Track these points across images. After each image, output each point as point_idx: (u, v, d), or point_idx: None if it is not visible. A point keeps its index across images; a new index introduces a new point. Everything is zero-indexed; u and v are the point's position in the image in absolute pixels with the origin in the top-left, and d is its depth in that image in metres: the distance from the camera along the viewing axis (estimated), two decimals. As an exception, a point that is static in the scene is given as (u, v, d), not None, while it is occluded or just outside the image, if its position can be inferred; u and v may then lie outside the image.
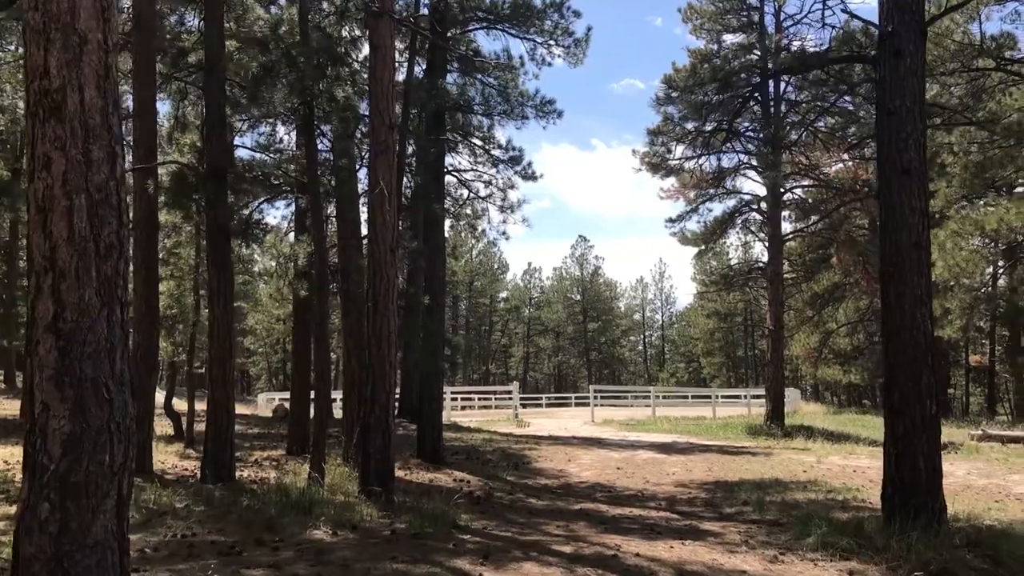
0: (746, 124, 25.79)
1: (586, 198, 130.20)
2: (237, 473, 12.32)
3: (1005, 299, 27.22)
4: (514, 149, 22.64)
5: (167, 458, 13.84)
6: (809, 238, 33.89)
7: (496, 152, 22.63)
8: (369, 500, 9.33)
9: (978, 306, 25.36)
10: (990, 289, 25.15)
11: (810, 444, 18.77)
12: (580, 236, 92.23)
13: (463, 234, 72.56)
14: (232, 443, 11.19)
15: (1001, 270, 24.40)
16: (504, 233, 21.71)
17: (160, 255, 14.33)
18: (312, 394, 13.12)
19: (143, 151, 11.48)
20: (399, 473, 12.61)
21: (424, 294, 13.07)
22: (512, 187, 19.27)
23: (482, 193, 18.87)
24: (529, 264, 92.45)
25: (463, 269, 75.76)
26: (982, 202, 19.65)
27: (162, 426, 18.18)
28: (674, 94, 22.39)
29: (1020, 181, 21.24)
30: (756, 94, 24.06)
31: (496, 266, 79.64)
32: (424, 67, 15.71)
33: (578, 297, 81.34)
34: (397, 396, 26.73)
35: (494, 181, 18.60)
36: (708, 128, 22.93)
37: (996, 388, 50.53)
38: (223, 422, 11.00)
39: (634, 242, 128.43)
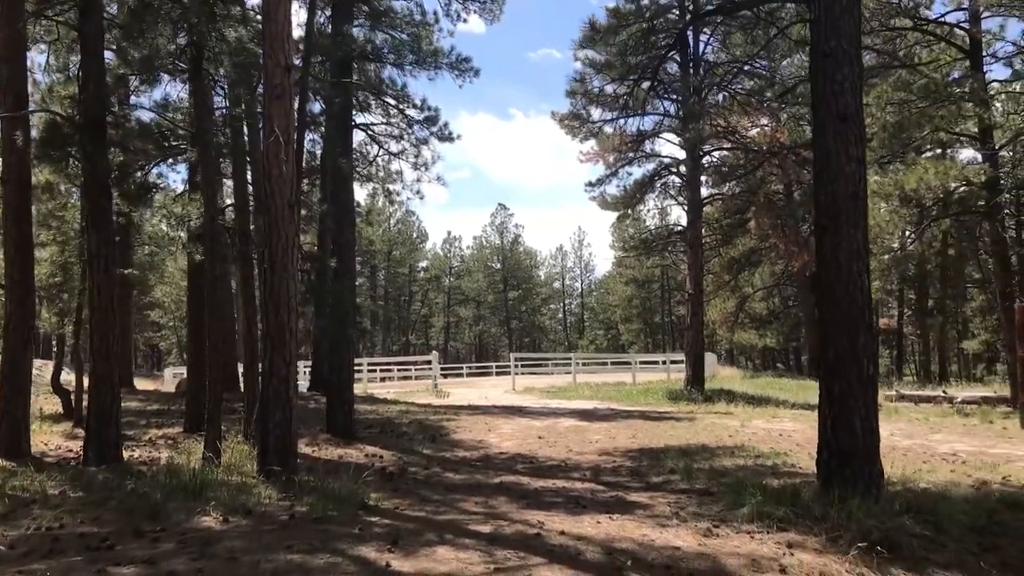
0: (666, 84, 25.31)
1: (506, 168, 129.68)
2: (127, 453, 11.29)
3: (915, 262, 27.67)
4: (430, 108, 21.69)
5: (51, 439, 12.66)
6: (726, 203, 33.95)
7: (411, 112, 21.59)
8: (268, 481, 8.47)
9: (896, 267, 25.65)
10: (902, 251, 25.46)
11: (732, 408, 18.58)
12: (500, 204, 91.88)
13: (378, 199, 71.20)
14: (118, 420, 10.15)
15: (914, 231, 24.69)
16: (419, 192, 20.86)
17: (41, 218, 13.03)
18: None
19: (12, 98, 10.22)
20: (307, 450, 11.77)
21: (332, 256, 12.14)
22: (426, 143, 18.32)
23: (393, 149, 17.86)
24: (449, 233, 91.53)
25: (381, 238, 74.37)
26: (900, 162, 19.69)
27: (52, 404, 16.84)
28: (596, 36, 21.63)
29: (937, 141, 21.37)
30: (676, 49, 23.53)
31: (415, 235, 78.45)
32: (328, 13, 14.59)
33: (498, 266, 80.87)
34: (308, 367, 25.77)
35: (407, 137, 17.60)
36: (632, 78, 22.28)
37: (903, 350, 52.14)
38: (107, 398, 9.95)
39: (554, 212, 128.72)
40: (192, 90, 9.84)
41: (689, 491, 8.91)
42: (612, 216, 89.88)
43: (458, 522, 7.21)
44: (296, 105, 10.11)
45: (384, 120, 21.39)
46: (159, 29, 9.12)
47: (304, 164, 14.76)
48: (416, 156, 17.66)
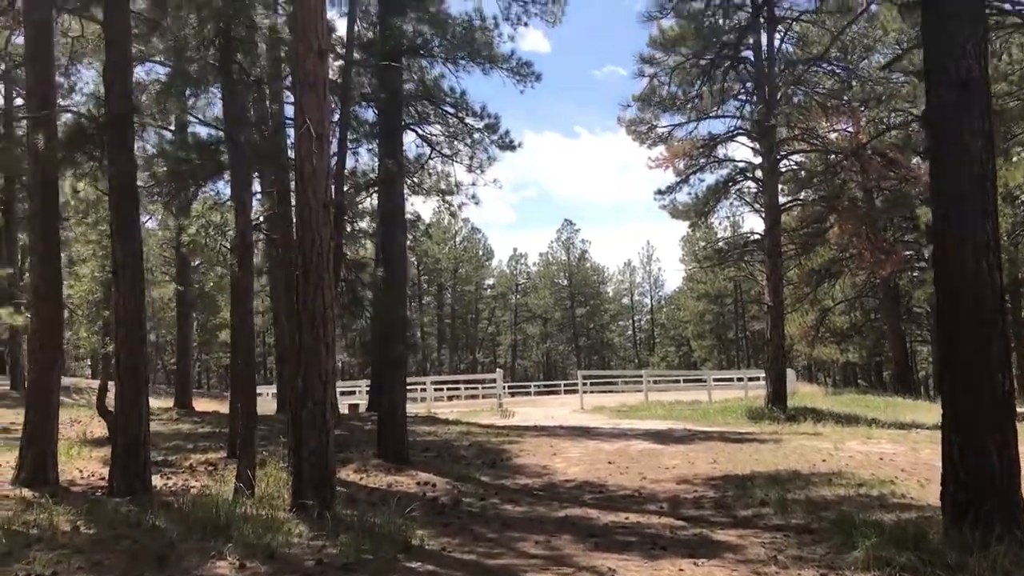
0: (738, 86, 23.95)
1: (572, 186, 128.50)
2: (161, 481, 10.50)
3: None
4: (490, 116, 20.76)
5: (88, 464, 11.95)
6: (804, 210, 32.19)
7: (470, 120, 20.76)
8: (302, 515, 7.51)
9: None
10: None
11: (821, 428, 17.04)
12: (566, 220, 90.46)
13: (442, 216, 70.71)
14: (146, 446, 9.33)
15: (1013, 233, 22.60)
16: (474, 197, 19.81)
17: (78, 231, 12.42)
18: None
19: (37, 100, 9.59)
20: (354, 477, 10.82)
21: (379, 266, 11.24)
22: (481, 144, 17.36)
23: (446, 151, 16.93)
24: (515, 250, 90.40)
25: (447, 256, 73.98)
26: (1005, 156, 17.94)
27: (102, 427, 16.28)
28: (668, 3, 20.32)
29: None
30: (760, 17, 22.03)
31: (481, 252, 77.88)
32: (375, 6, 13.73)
33: (565, 282, 79.68)
34: (366, 387, 25.01)
35: (460, 138, 16.67)
36: (708, 56, 20.89)
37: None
38: (134, 422, 9.15)
39: (621, 230, 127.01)
40: (222, 84, 9.07)
41: (785, 527, 7.65)
42: (681, 230, 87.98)
43: (514, 569, 6.11)
44: (334, 100, 9.20)
45: (442, 129, 20.58)
46: (184, 18, 8.36)
47: (354, 171, 13.89)
48: (471, 158, 16.65)
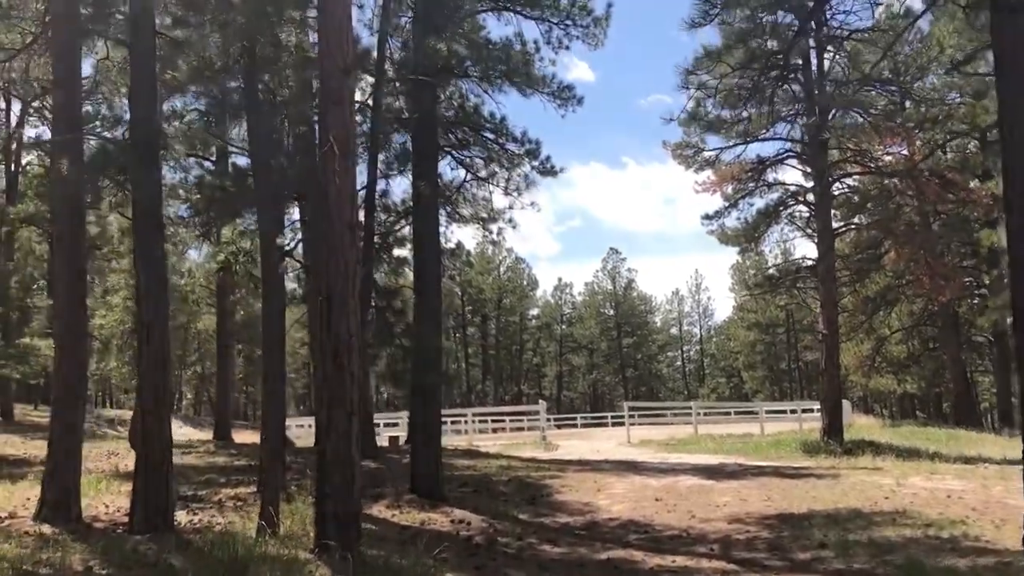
0: (787, 108, 23.27)
1: (618, 216, 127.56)
2: (187, 517, 10.12)
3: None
4: (530, 141, 20.44)
5: (116, 499, 11.63)
6: (857, 236, 31.22)
7: (511, 146, 20.45)
8: (324, 557, 7.03)
9: None
10: None
11: (880, 463, 16.13)
12: (611, 249, 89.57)
13: (486, 247, 70.37)
14: (169, 481, 8.96)
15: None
16: (511, 221, 19.43)
17: (108, 260, 12.22)
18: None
19: (64, 124, 9.40)
20: (386, 513, 10.33)
21: (417, 294, 10.82)
22: (519, 165, 16.96)
23: (483, 174, 16.56)
24: (559, 280, 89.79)
25: (491, 286, 73.69)
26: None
27: (132, 460, 16.06)
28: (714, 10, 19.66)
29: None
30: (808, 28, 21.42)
31: (525, 282, 77.39)
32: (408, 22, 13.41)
33: (611, 312, 78.71)
34: (396, 419, 24.53)
35: (495, 158, 16.29)
36: (754, 67, 20.23)
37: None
38: (156, 454, 8.79)
39: (668, 260, 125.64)
40: (247, 106, 8.78)
41: (847, 572, 7.03)
42: (730, 259, 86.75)
43: (547, 621, 5.55)
44: (363, 119, 8.85)
45: (482, 156, 20.27)
46: (208, 36, 8.11)
47: (386, 193, 13.54)
48: (507, 180, 16.24)
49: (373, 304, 10.19)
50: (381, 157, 11.94)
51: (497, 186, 15.76)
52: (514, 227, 18.35)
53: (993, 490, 11.52)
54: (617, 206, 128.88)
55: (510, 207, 16.90)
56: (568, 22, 19.41)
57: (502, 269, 75.74)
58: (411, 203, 18.99)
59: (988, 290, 35.13)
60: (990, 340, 38.11)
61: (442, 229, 23.36)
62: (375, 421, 30.60)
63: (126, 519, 9.97)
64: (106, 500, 11.38)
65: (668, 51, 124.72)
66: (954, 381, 37.67)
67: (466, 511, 10.41)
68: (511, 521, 9.93)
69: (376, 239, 18.35)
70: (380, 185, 15.38)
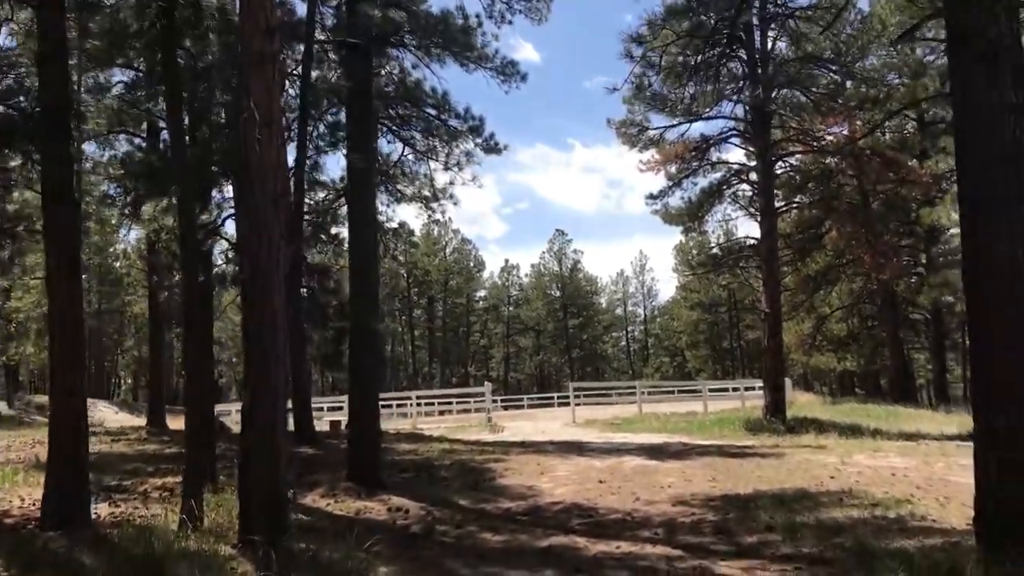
0: (730, 86, 23.18)
1: (565, 197, 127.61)
2: (110, 509, 9.60)
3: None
4: (474, 118, 20.03)
5: (35, 491, 10.97)
6: (799, 215, 31.45)
7: (454, 122, 19.99)
8: (247, 551, 6.60)
9: None
10: None
11: (824, 440, 16.15)
12: (558, 230, 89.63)
13: (429, 226, 69.69)
14: (84, 471, 8.41)
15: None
16: (452, 197, 19.02)
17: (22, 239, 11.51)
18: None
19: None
20: (321, 502, 9.89)
21: (352, 273, 10.32)
22: (457, 139, 16.50)
23: (420, 147, 16.07)
24: (506, 261, 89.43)
25: (437, 268, 73.05)
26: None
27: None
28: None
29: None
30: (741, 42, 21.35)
31: (472, 264, 76.95)
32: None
33: (558, 293, 78.71)
34: (342, 403, 23.97)
35: (438, 134, 15.81)
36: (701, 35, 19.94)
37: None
38: (69, 442, 8.22)
39: (614, 242, 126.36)
40: (164, 73, 8.14)
41: (795, 557, 6.78)
42: (674, 239, 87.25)
43: (483, 616, 5.22)
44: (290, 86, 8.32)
45: (423, 135, 19.75)
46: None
47: (316, 165, 12.96)
48: (447, 155, 15.79)
49: (305, 284, 9.67)
50: (318, 132, 11.34)
51: (439, 162, 15.17)
52: (455, 203, 17.89)
53: (935, 467, 11.52)
54: (564, 188, 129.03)
55: (451, 183, 16.41)
56: (511, -6, 19.03)
57: (448, 250, 75.15)
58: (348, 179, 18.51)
59: (925, 269, 35.80)
60: (927, 318, 38.93)
61: (383, 208, 22.93)
62: (318, 405, 30.07)
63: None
64: (23, 493, 10.74)
65: (613, 34, 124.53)
66: (892, 359, 38.39)
67: (405, 498, 10.02)
68: (451, 508, 9.57)
69: (313, 216, 17.76)
70: (321, 162, 14.83)
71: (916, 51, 34.78)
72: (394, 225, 22.18)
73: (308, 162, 13.37)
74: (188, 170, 8.38)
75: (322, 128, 11.56)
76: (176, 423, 25.29)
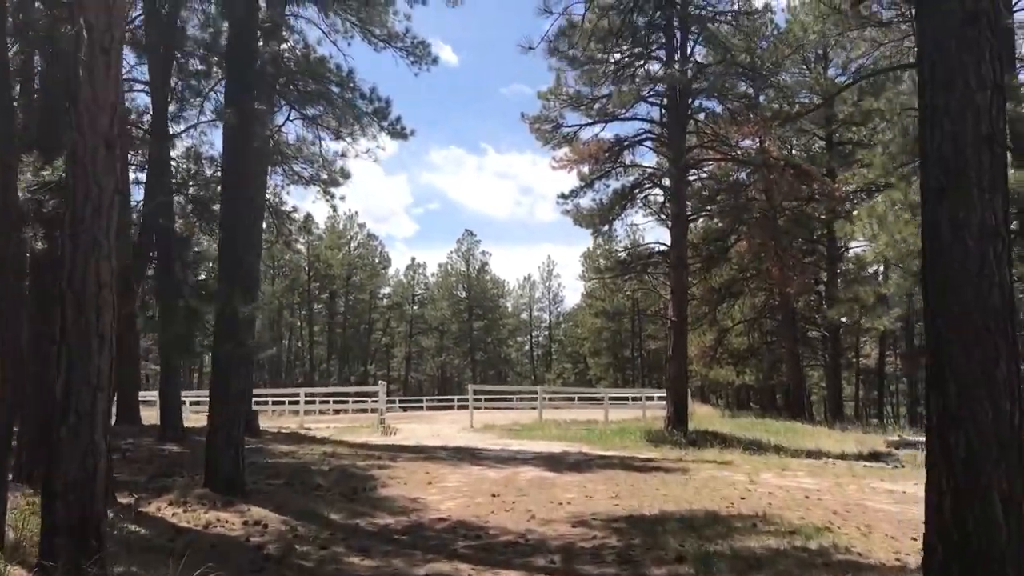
0: (648, 87, 22.54)
1: (476, 201, 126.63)
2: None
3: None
4: (380, 99, 18.74)
5: None
6: (707, 225, 31.26)
7: (360, 103, 18.65)
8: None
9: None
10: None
11: (728, 455, 15.50)
12: (467, 230, 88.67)
13: (333, 219, 67.62)
14: None
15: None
16: (342, 170, 17.78)
17: None
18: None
19: None
20: (166, 512, 8.49)
21: (222, 246, 8.93)
22: (362, 119, 15.26)
23: (321, 126, 14.75)
24: (413, 260, 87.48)
25: (340, 262, 70.90)
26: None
27: None
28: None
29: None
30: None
31: (377, 260, 74.99)
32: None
33: (464, 294, 77.45)
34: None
35: (338, 110, 14.52)
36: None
37: (883, 390, 49.61)
38: None
39: (523, 248, 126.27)
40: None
41: (711, 595, 5.84)
42: (583, 246, 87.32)
43: None
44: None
45: (325, 111, 18.37)
46: None
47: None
48: (338, 124, 14.51)
49: (155, 254, 8.24)
50: (186, 84, 9.80)
51: (326, 128, 13.86)
52: (347, 177, 16.48)
53: (848, 489, 10.90)
54: (475, 192, 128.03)
55: (342, 154, 15.07)
56: (426, -31, 17.96)
57: (353, 245, 73.00)
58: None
59: (826, 286, 36.15)
60: (824, 336, 39.41)
61: (277, 187, 21.41)
62: (196, 399, 28.07)
63: None
64: None
65: (530, 40, 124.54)
66: (789, 374, 38.71)
67: (267, 509, 8.71)
68: (320, 523, 8.32)
69: (195, 189, 16.16)
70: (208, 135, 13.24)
71: (829, 71, 35.28)
72: (288, 208, 20.70)
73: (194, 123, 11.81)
74: (10, 110, 6.91)
75: (193, 73, 9.98)
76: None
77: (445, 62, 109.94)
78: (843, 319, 31.51)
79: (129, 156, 18.25)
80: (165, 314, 8.57)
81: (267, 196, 20.38)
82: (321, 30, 19.58)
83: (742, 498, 9.87)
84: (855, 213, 20.03)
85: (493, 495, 10.09)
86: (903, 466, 14.68)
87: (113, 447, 13.73)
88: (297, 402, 27.43)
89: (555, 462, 13.66)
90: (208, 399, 9.89)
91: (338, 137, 19.12)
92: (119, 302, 6.24)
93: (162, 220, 10.58)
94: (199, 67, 8.99)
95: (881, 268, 33.89)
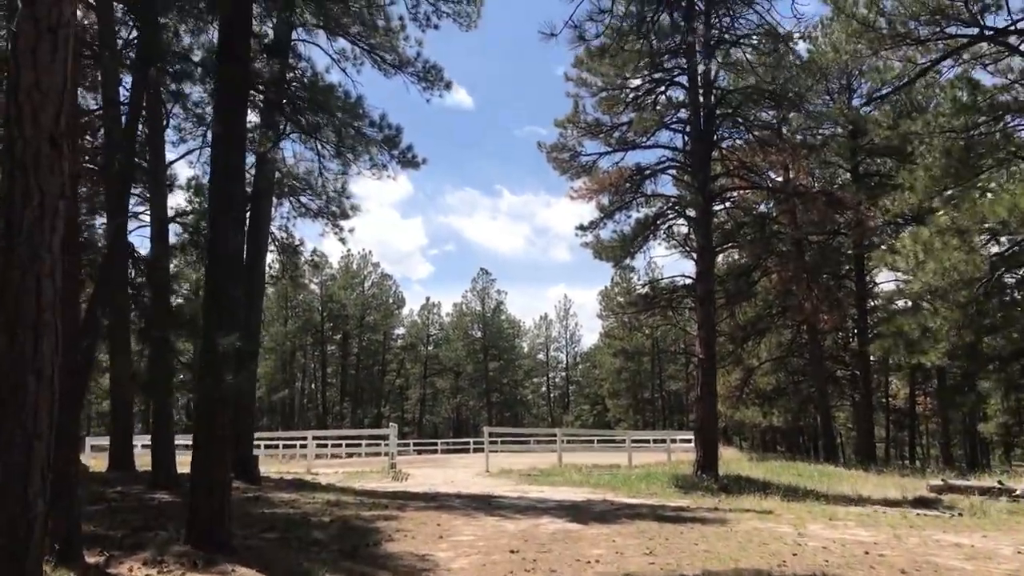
0: (670, 114, 21.66)
1: (491, 241, 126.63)
2: None
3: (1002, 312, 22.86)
4: (390, 127, 18.02)
5: None
6: (731, 259, 30.25)
7: (368, 131, 17.89)
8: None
9: (969, 323, 21.36)
10: (978, 303, 21.04)
11: (766, 503, 14.30)
12: (482, 269, 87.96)
13: (348, 258, 67.03)
14: None
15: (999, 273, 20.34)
16: (343, 188, 17.03)
17: None
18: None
19: None
20: (137, 574, 7.42)
21: (209, 275, 7.97)
22: (372, 147, 14.46)
23: (329, 156, 13.92)
24: (427, 299, 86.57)
25: (354, 302, 70.13)
26: (977, 189, 15.94)
27: None
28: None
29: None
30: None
31: (391, 300, 74.16)
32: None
33: (479, 334, 76.34)
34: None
35: (347, 139, 13.72)
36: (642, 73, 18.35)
37: (916, 431, 47.94)
38: None
39: (539, 288, 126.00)
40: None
41: None
42: (599, 286, 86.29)
43: None
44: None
45: (334, 140, 17.61)
46: None
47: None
48: (337, 137, 13.67)
49: (132, 280, 7.26)
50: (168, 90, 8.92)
51: (349, 175, 13.00)
52: (347, 198, 15.65)
53: (909, 543, 9.69)
54: (490, 232, 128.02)
55: (343, 172, 14.22)
56: (438, -6, 17.40)
57: (367, 284, 72.29)
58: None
59: (856, 322, 34.78)
60: (854, 374, 37.99)
61: (282, 220, 20.59)
62: (188, 443, 26.91)
63: None
64: None
65: (544, 85, 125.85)
66: (821, 416, 37.29)
67: (254, 570, 7.61)
68: (313, 587, 7.23)
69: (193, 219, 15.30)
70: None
71: (854, 101, 34.38)
72: (295, 242, 19.86)
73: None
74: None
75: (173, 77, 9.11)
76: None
77: (460, 103, 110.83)
78: (882, 355, 30.16)
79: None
80: (124, 346, 7.57)
81: (273, 230, 19.64)
82: (330, 56, 18.94)
83: (794, 554, 8.69)
84: (896, 240, 18.95)
85: (512, 552, 8.96)
86: (961, 514, 13.39)
87: (99, 496, 12.73)
88: (305, 445, 26.37)
89: (579, 512, 12.50)
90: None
91: (347, 166, 18.41)
92: (80, 332, 5.28)
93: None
94: (179, 67, 8.16)
95: (908, 302, 32.69)
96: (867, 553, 8.87)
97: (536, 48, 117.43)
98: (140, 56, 8.79)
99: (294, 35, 17.76)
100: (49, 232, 4.87)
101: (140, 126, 11.61)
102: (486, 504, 13.60)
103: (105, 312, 6.58)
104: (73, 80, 5.52)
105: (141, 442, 22.54)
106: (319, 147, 17.87)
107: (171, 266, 11.90)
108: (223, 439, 8.00)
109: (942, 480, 21.13)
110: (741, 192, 22.83)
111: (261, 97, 13.72)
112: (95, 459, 25.32)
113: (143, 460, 18.34)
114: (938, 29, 15.70)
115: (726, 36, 20.69)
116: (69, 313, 5.75)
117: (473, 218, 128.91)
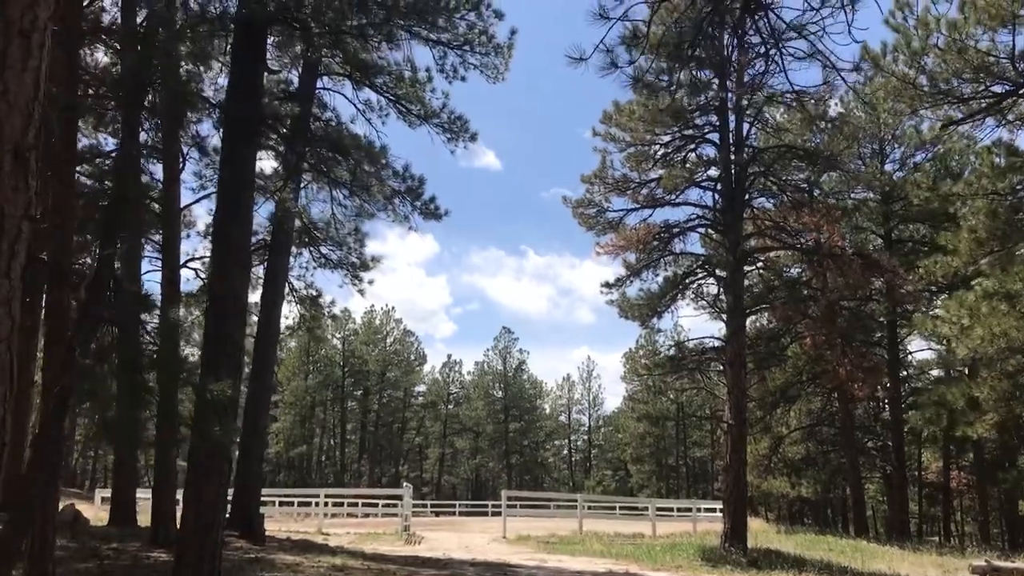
0: (700, 171, 21.17)
1: (515, 302, 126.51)
2: None
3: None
4: (412, 177, 17.69)
5: None
6: (760, 323, 29.43)
7: (391, 181, 17.56)
8: None
9: (1020, 394, 20.29)
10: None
11: (803, 582, 13.33)
12: (504, 328, 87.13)
13: (370, 315, 66.67)
14: None
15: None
16: (359, 238, 16.52)
17: None
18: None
19: None
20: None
21: (209, 313, 7.43)
22: (394, 198, 14.03)
23: (350, 207, 13.47)
24: (449, 357, 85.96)
25: (375, 358, 69.58)
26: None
27: None
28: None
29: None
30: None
31: (412, 357, 73.54)
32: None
33: (500, 394, 75.28)
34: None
35: (369, 190, 13.29)
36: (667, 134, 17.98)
37: (950, 508, 46.05)
38: None
39: (562, 350, 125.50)
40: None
41: None
42: (622, 349, 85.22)
43: None
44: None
45: (354, 191, 17.29)
46: None
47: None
48: (360, 186, 13.23)
49: (105, 317, 6.74)
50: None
51: (341, 186, 12.57)
52: (363, 246, 15.18)
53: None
54: (514, 292, 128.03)
55: (358, 214, 13.78)
56: (466, 47, 16.99)
57: (389, 341, 71.83)
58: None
59: (888, 390, 33.65)
60: (886, 445, 36.65)
61: (301, 270, 20.18)
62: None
63: None
64: None
65: (569, 146, 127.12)
66: (852, 488, 35.88)
67: (239, 646, 6.88)
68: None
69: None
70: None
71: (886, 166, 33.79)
72: (313, 293, 19.40)
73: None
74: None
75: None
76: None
77: (488, 166, 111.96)
78: (921, 426, 28.95)
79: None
80: (101, 391, 6.99)
81: (290, 280, 19.22)
82: (355, 106, 18.67)
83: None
84: (938, 307, 18.19)
85: (526, 631, 8.14)
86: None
87: (92, 552, 12.05)
88: (322, 503, 25.58)
89: (601, 586, 11.64)
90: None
91: (368, 216, 18.03)
92: (59, 373, 4.70)
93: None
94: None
95: (944, 371, 31.58)
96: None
97: (564, 113, 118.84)
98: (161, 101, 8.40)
99: (319, 84, 17.61)
100: (8, 256, 4.30)
101: (153, 164, 11.28)
102: (500, 573, 12.75)
103: (85, 352, 6.04)
104: (47, 90, 5.04)
105: (147, 495, 21.89)
106: (341, 195, 17.60)
107: (180, 311, 11.42)
108: (213, 500, 7.32)
109: (985, 561, 19.88)
110: (772, 254, 22.16)
111: (280, 141, 13.45)
112: (104, 511, 24.68)
113: (149, 515, 17.69)
114: (982, 88, 15.19)
115: (760, 94, 20.25)
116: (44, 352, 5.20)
117: (497, 278, 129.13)
